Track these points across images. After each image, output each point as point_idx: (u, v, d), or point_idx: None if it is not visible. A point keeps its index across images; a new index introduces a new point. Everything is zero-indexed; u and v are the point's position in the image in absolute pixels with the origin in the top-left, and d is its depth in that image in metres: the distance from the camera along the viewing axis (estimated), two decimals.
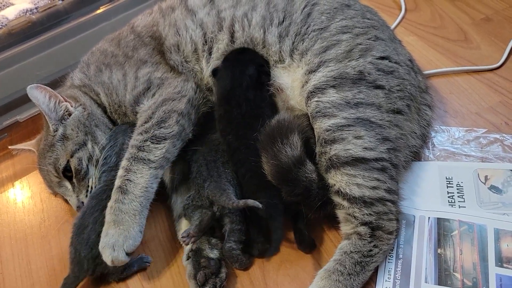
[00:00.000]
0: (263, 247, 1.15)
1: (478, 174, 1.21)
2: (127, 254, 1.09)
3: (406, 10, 1.84)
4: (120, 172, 1.17)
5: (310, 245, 1.15)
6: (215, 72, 1.35)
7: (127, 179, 1.15)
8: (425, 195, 1.21)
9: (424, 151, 1.29)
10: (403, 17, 1.82)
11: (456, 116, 1.40)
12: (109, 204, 1.14)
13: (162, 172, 1.20)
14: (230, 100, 1.27)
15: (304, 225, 1.15)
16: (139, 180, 1.15)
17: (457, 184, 1.21)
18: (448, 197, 1.19)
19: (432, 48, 1.65)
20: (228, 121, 1.25)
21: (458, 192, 1.19)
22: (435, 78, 1.53)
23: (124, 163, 1.18)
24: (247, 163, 1.14)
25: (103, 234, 1.10)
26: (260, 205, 1.06)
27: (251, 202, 1.07)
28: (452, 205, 1.17)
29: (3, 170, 1.61)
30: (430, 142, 1.31)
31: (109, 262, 1.08)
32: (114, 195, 1.14)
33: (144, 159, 1.17)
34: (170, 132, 1.21)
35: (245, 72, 1.28)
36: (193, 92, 1.31)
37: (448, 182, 1.22)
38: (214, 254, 1.14)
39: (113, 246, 1.07)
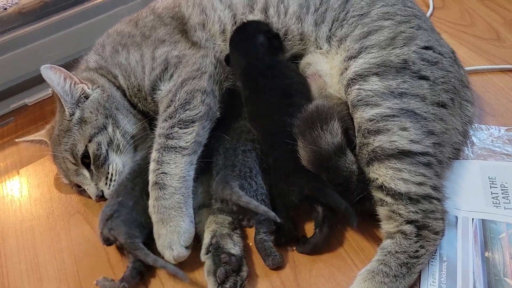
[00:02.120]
0: (290, 234, 1.08)
1: None
2: (187, 247, 1.04)
3: (434, 7, 1.79)
4: (152, 166, 1.09)
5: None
6: (227, 60, 1.28)
7: (162, 172, 1.06)
8: (467, 195, 1.13)
9: (463, 149, 1.22)
10: (431, 15, 1.77)
11: (494, 114, 1.34)
12: (150, 203, 1.06)
13: (197, 158, 1.11)
14: (252, 75, 1.21)
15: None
16: (174, 170, 1.06)
17: (501, 185, 1.14)
18: (492, 197, 1.12)
19: (464, 46, 1.59)
20: (257, 98, 1.18)
21: (502, 193, 1.12)
22: (469, 76, 1.46)
23: (154, 155, 1.09)
24: (284, 146, 1.07)
25: (156, 236, 1.04)
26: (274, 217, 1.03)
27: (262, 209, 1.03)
28: (497, 206, 1.10)
29: (7, 156, 1.51)
30: (469, 140, 1.24)
31: (172, 261, 1.03)
32: (153, 192, 1.06)
33: (175, 147, 1.08)
34: (197, 114, 1.12)
35: (256, 43, 1.24)
36: (213, 67, 1.23)
37: (491, 182, 1.15)
38: (235, 250, 1.06)
39: (170, 246, 1.02)
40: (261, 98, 1.18)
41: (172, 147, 1.08)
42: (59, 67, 1.22)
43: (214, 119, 1.18)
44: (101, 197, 1.18)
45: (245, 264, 1.05)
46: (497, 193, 1.13)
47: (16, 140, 1.39)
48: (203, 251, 1.07)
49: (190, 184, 1.08)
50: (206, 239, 1.08)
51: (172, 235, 1.02)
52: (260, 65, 1.21)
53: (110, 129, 1.20)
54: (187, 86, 1.17)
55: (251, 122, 1.19)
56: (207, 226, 1.11)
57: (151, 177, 1.08)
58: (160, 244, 1.03)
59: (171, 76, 1.22)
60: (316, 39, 1.24)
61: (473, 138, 1.25)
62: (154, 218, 1.05)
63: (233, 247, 1.06)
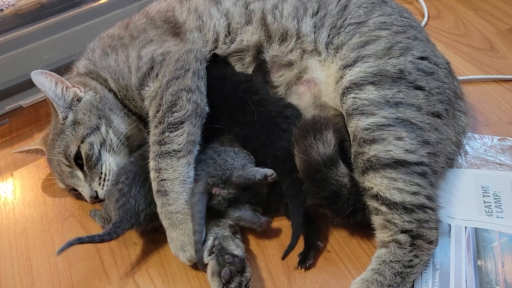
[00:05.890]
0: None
1: None
2: None
3: (429, 17, 1.80)
4: (152, 175, 1.10)
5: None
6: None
7: (162, 180, 1.08)
8: (460, 203, 1.15)
9: (457, 158, 1.23)
10: (426, 24, 1.78)
11: (487, 124, 1.35)
12: (158, 210, 1.08)
13: (193, 157, 1.12)
14: (220, 86, 1.26)
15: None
16: (173, 175, 1.07)
17: (494, 194, 1.15)
18: (485, 206, 1.13)
19: (458, 56, 1.61)
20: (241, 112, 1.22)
21: (495, 202, 1.14)
22: (463, 85, 1.47)
23: (151, 164, 1.10)
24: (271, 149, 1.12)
25: (169, 240, 1.08)
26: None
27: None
28: (489, 215, 1.11)
29: (1, 158, 1.50)
30: (462, 149, 1.26)
31: (187, 263, 1.06)
32: (158, 200, 1.08)
33: (169, 152, 1.09)
34: (185, 113, 1.12)
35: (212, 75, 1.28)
36: (196, 62, 1.21)
37: (484, 191, 1.16)
38: (238, 252, 1.07)
39: (182, 248, 1.05)
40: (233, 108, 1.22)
41: (166, 153, 1.09)
42: (50, 72, 1.22)
43: (203, 115, 1.17)
44: (95, 198, 1.18)
45: (248, 266, 1.06)
46: (490, 202, 1.14)
47: (12, 151, 1.39)
48: (205, 253, 1.07)
49: (191, 185, 1.09)
50: (208, 241, 1.08)
51: (183, 237, 1.05)
52: (222, 74, 1.28)
53: (103, 129, 1.20)
54: (171, 87, 1.16)
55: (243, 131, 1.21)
56: (209, 229, 1.11)
57: (153, 186, 1.09)
58: (173, 247, 1.06)
59: (157, 75, 1.22)
60: (316, 42, 1.24)
61: (467, 147, 1.27)
62: (164, 224, 1.07)
63: (236, 248, 1.07)
